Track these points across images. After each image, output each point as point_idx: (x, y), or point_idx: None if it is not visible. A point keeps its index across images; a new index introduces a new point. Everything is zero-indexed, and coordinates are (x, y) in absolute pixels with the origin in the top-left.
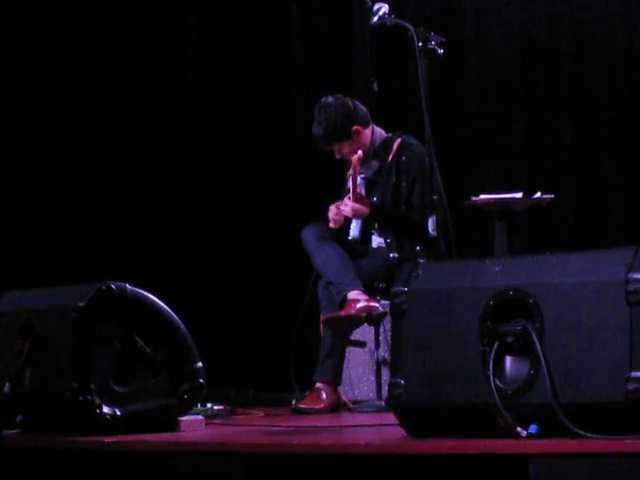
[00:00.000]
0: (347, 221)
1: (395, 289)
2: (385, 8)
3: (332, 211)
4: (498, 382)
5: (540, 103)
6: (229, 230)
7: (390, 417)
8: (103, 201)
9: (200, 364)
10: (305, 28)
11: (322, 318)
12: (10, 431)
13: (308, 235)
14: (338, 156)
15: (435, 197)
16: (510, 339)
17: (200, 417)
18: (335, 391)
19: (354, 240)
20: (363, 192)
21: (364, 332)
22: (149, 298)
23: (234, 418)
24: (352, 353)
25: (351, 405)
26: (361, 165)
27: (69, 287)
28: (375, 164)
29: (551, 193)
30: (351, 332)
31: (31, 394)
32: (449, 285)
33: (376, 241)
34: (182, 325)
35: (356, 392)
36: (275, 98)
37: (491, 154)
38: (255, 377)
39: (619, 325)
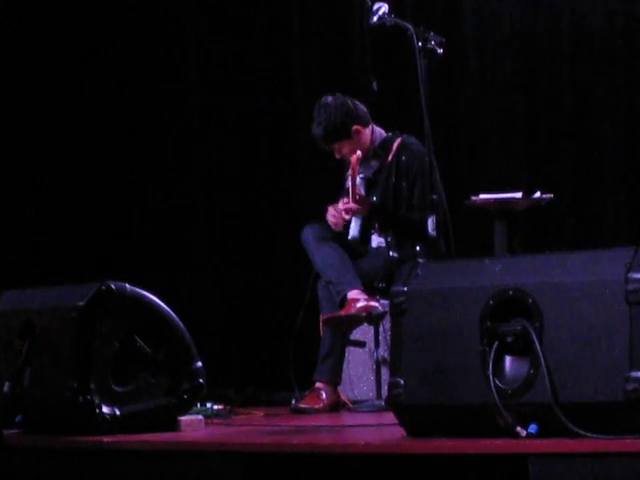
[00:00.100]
0: (347, 221)
1: (395, 289)
2: (385, 8)
3: (330, 212)
4: (498, 382)
5: (540, 103)
6: (229, 230)
7: (390, 417)
8: (103, 201)
9: (200, 364)
10: (305, 27)
11: (322, 318)
12: (10, 431)
13: (308, 235)
14: (338, 156)
15: (435, 197)
16: (510, 339)
17: (200, 417)
18: (335, 391)
19: (354, 240)
20: (362, 192)
21: (364, 332)
22: (148, 298)
23: (234, 418)
24: (352, 353)
25: (351, 405)
26: (360, 165)
27: (69, 287)
28: (375, 164)
29: (550, 193)
30: (351, 332)
31: (31, 394)
32: (449, 285)
33: (376, 241)
34: (181, 325)
35: (356, 392)
36: (275, 98)
37: (491, 154)
38: (255, 377)
39: (619, 325)
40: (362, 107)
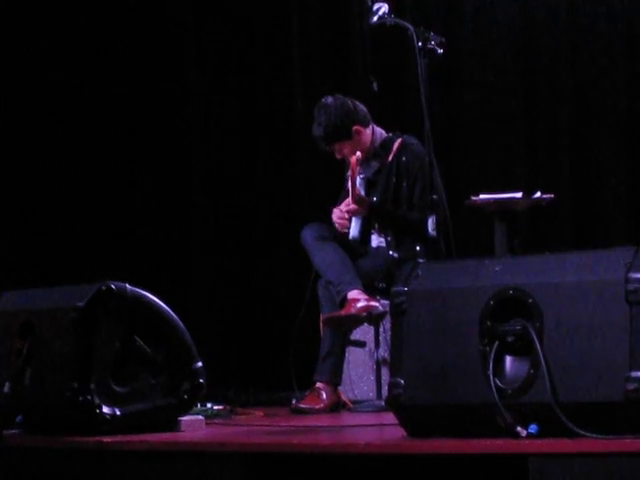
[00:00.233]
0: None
1: (395, 289)
2: (385, 8)
3: (335, 214)
4: (498, 382)
5: (540, 103)
6: (229, 230)
7: (390, 417)
8: (103, 201)
9: (200, 364)
10: (305, 28)
11: (322, 318)
12: (10, 431)
13: (308, 235)
14: (338, 156)
15: (435, 197)
16: (510, 339)
17: (200, 417)
18: (335, 391)
19: (354, 240)
20: (362, 192)
21: (364, 332)
22: (149, 298)
23: (234, 418)
24: (352, 353)
25: (351, 405)
26: (361, 165)
27: (69, 287)
28: (375, 164)
29: (551, 193)
30: (351, 332)
31: (31, 394)
32: (449, 285)
33: (376, 241)
34: (182, 325)
35: (356, 392)
36: (275, 98)
37: (491, 154)
38: (255, 377)
39: (619, 325)
40: (362, 107)
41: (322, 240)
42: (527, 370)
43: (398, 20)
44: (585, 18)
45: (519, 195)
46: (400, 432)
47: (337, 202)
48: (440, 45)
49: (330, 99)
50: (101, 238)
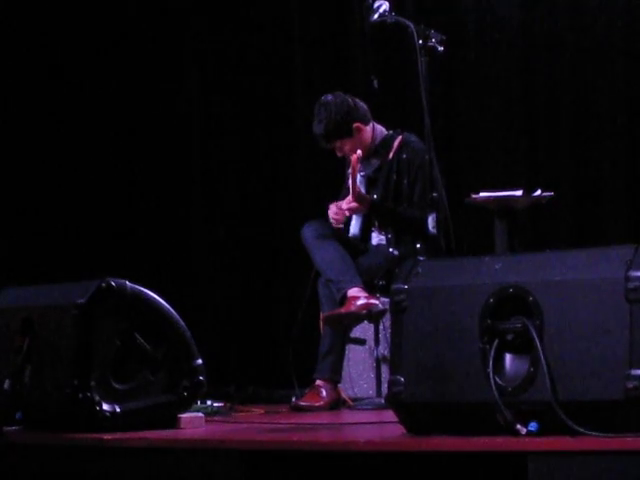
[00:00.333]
0: (347, 218)
1: (395, 286)
2: (385, 5)
3: (332, 210)
4: (498, 379)
5: (540, 101)
6: (229, 227)
7: (390, 414)
8: (103, 199)
9: (200, 361)
10: (305, 25)
11: (322, 315)
12: (10, 428)
13: (308, 233)
14: (339, 154)
15: (435, 195)
16: (510, 337)
17: (200, 414)
18: (335, 388)
19: (354, 237)
20: (362, 190)
21: (364, 329)
22: (149, 295)
23: (234, 415)
24: (352, 351)
25: (351, 402)
26: (361, 163)
27: (69, 284)
28: (375, 162)
29: (551, 191)
30: (351, 329)
31: (31, 391)
32: (449, 282)
33: (376, 238)
34: (182, 322)
35: (356, 389)
36: (275, 96)
37: (491, 152)
38: (255, 374)
39: (619, 323)
40: (362, 105)
41: (322, 238)
42: (527, 368)
43: (399, 18)
44: (586, 16)
45: (519, 193)
46: (400, 430)
47: (338, 199)
48: (440, 43)
49: (330, 97)
50: (102, 236)
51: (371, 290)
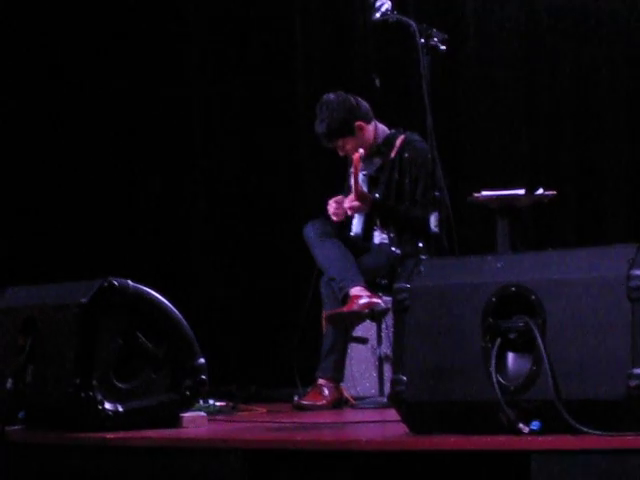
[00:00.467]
0: (349, 217)
1: (397, 285)
2: (387, 4)
3: (332, 206)
4: (500, 378)
5: (542, 99)
6: (231, 226)
7: (392, 413)
8: (105, 198)
9: (202, 360)
10: (307, 24)
11: (324, 314)
12: (12, 427)
13: (310, 232)
14: (341, 153)
15: (437, 193)
16: (512, 335)
17: (202, 413)
18: (337, 387)
19: (356, 236)
20: (365, 189)
21: (366, 328)
22: (151, 294)
23: (236, 414)
24: (354, 349)
25: (353, 401)
26: (363, 161)
27: (71, 283)
28: (377, 161)
29: (553, 190)
30: (353, 328)
31: (33, 390)
32: (451, 281)
33: (378, 237)
34: (184, 321)
35: (358, 388)
36: (277, 95)
37: (493, 150)
38: (257, 373)
39: (621, 322)
40: (364, 104)
41: (324, 237)
42: (529, 367)
43: (401, 17)
44: (588, 16)
45: (521, 192)
46: (402, 429)
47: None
48: (443, 42)
49: (332, 95)
50: (103, 235)
51: (373, 289)
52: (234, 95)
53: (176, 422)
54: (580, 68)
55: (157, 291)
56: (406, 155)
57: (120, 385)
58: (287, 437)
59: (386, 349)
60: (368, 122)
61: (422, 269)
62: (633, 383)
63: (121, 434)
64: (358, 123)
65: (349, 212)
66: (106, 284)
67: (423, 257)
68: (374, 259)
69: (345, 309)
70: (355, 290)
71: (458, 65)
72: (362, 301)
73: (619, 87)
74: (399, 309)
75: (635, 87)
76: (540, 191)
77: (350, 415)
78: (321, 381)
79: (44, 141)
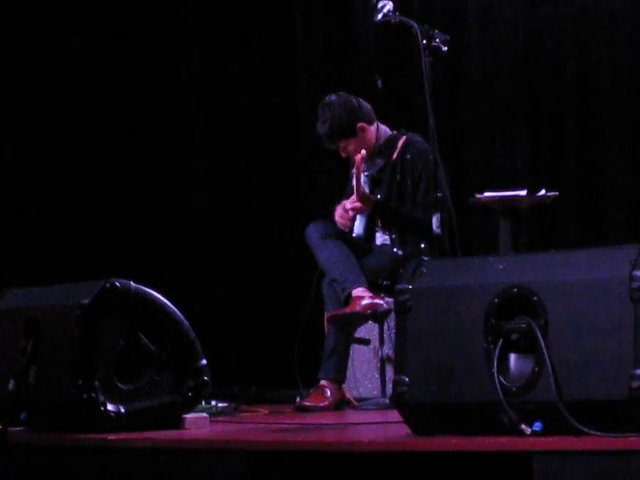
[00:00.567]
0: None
1: (399, 286)
2: (389, 5)
3: (338, 212)
4: (502, 379)
5: (544, 100)
6: (233, 227)
7: (394, 415)
8: (107, 199)
9: (204, 361)
10: (309, 25)
11: (326, 315)
12: (14, 428)
13: (312, 233)
14: (344, 154)
15: (439, 194)
16: (514, 336)
17: (204, 414)
18: (339, 388)
19: (358, 237)
20: (367, 190)
21: (368, 329)
22: (153, 295)
23: (238, 415)
24: (356, 350)
25: (355, 403)
26: (365, 163)
27: (73, 284)
28: (379, 162)
29: (555, 190)
30: (355, 329)
31: (35, 391)
32: (453, 282)
33: (380, 238)
34: (186, 322)
35: (360, 389)
36: (279, 96)
37: (495, 151)
38: (259, 374)
39: (623, 322)
40: (366, 105)
41: (327, 238)
42: (531, 368)
43: (403, 18)
44: (591, 16)
45: (524, 193)
46: (404, 430)
47: (341, 200)
48: (444, 43)
49: (334, 97)
50: (105, 236)
51: (375, 290)
52: (235, 96)
53: (178, 423)
54: (582, 69)
55: (158, 292)
56: (408, 156)
57: (122, 386)
58: (289, 438)
59: (388, 350)
60: (370, 123)
61: (424, 270)
62: (635, 384)
63: (123, 435)
64: (360, 124)
65: (351, 213)
66: (108, 285)
67: (425, 258)
68: (376, 260)
69: (347, 310)
70: (357, 291)
71: (460, 66)
72: (364, 302)
73: (621, 88)
74: (401, 310)
75: (637, 88)
76: (542, 192)
77: (352, 416)
78: (323, 382)
79: (44, 141)
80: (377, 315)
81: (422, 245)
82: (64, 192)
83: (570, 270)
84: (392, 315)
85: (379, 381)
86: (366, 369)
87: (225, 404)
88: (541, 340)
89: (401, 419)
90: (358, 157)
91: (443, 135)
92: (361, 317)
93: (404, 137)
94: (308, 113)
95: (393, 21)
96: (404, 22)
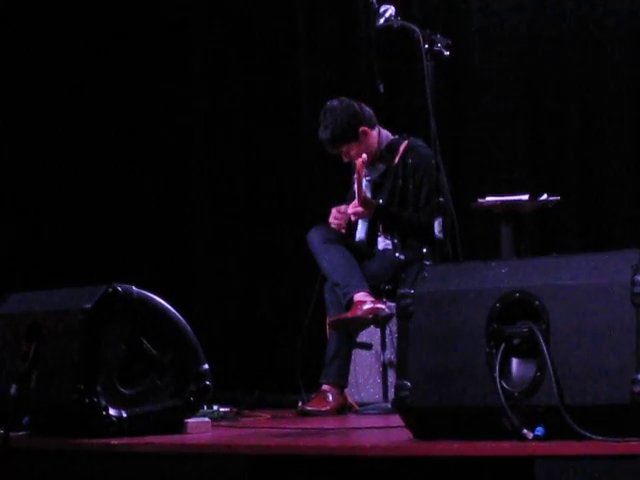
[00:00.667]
0: (353, 223)
1: (401, 291)
2: (391, 10)
3: (332, 214)
4: (504, 384)
5: (546, 105)
6: (235, 232)
7: (396, 419)
8: (108, 204)
9: (206, 366)
10: (311, 30)
11: (328, 320)
12: (17, 433)
13: (314, 237)
14: (346, 159)
15: (441, 199)
16: (516, 341)
17: (206, 419)
18: (341, 393)
19: (360, 242)
20: (368, 195)
21: (370, 334)
22: (155, 300)
23: (240, 420)
24: (358, 355)
25: (357, 407)
26: (367, 167)
27: (75, 289)
28: (381, 166)
29: (557, 195)
30: (357, 334)
31: (37, 396)
32: (455, 287)
33: (382, 243)
34: (188, 327)
35: (362, 394)
36: (280, 97)
37: (497, 156)
38: (261, 379)
39: (625, 327)
40: (368, 109)
41: (328, 242)
42: (533, 372)
43: (404, 22)
44: (592, 19)
45: (525, 197)
46: (406, 434)
47: (343, 204)
48: (446, 47)
49: (336, 102)
50: (107, 240)
51: (377, 295)
52: (236, 97)
53: (180, 428)
54: (583, 73)
55: (161, 297)
56: (410, 161)
57: (124, 391)
58: (291, 443)
59: (390, 355)
60: (372, 127)
61: (426, 275)
62: (637, 388)
63: (125, 440)
64: (362, 128)
65: (352, 218)
66: (110, 290)
67: (427, 263)
68: (378, 265)
69: (349, 315)
70: (359, 296)
71: (462, 70)
72: (366, 307)
73: (622, 91)
74: (403, 315)
75: (638, 90)
76: (544, 196)
77: (354, 421)
78: (325, 387)
79: (44, 142)
80: (379, 320)
81: (424, 250)
82: (64, 192)
83: (572, 275)
84: (394, 320)
85: (381, 386)
86: (368, 374)
87: (227, 409)
88: (543, 345)
89: (403, 424)
90: (359, 162)
91: (445, 140)
92: (363, 322)
93: (406, 142)
94: (309, 114)
95: (395, 26)
96: (406, 27)
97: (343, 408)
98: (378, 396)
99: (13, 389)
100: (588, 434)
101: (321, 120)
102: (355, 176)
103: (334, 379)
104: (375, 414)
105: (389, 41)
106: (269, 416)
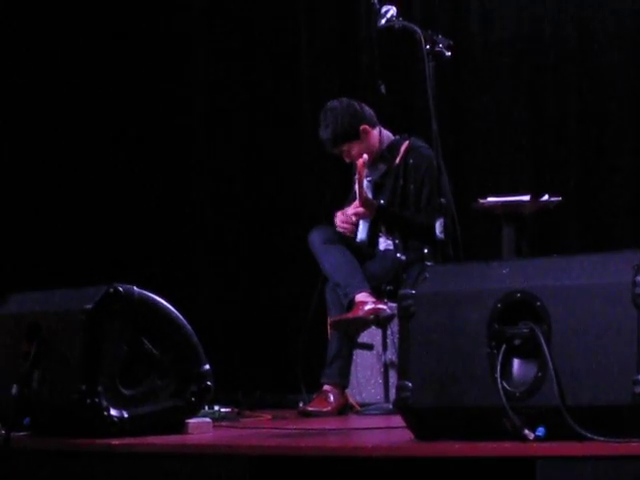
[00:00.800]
0: (355, 224)
1: (403, 292)
2: (393, 11)
3: (339, 218)
4: (505, 385)
5: (547, 105)
6: (236, 232)
7: (397, 420)
8: (109, 204)
9: (207, 366)
10: (312, 30)
11: (329, 320)
12: (17, 433)
13: (315, 238)
14: (347, 159)
15: (443, 200)
16: (517, 342)
17: (207, 419)
18: (342, 393)
19: (362, 243)
20: (369, 195)
21: (372, 334)
22: (156, 300)
23: (241, 421)
24: (360, 356)
25: (358, 408)
26: (368, 168)
27: (76, 289)
28: (382, 167)
29: (558, 196)
30: (358, 334)
31: (38, 396)
32: (457, 288)
33: (383, 244)
34: (189, 327)
35: (363, 395)
36: (281, 101)
37: (498, 157)
38: (262, 380)
39: (626, 328)
40: (368, 109)
41: (330, 243)
42: (535, 373)
43: (406, 23)
44: (592, 20)
45: (527, 198)
46: (408, 435)
47: (344, 205)
48: (447, 48)
49: (336, 102)
50: (108, 240)
51: (379, 295)
52: (238, 99)
53: (181, 428)
54: (584, 73)
55: (162, 297)
56: (411, 161)
57: (125, 391)
58: (292, 443)
59: (391, 355)
60: (373, 127)
61: (427, 275)
62: (638, 389)
63: (126, 440)
64: (363, 127)
65: (353, 218)
66: (111, 290)
67: (428, 263)
68: (379, 265)
69: (350, 315)
70: (360, 296)
71: (463, 71)
72: (367, 307)
73: (623, 91)
74: (404, 315)
75: (639, 90)
76: (545, 197)
77: (355, 421)
78: (326, 387)
79: (44, 142)
80: (380, 320)
81: (425, 250)
82: (64, 192)
83: (573, 275)
84: (395, 320)
85: (382, 386)
86: (369, 374)
87: (228, 409)
88: (544, 345)
89: (404, 424)
90: (360, 162)
91: (446, 140)
92: (364, 322)
93: (407, 142)
94: (310, 114)
95: (396, 26)
96: (407, 27)
97: (344, 409)
98: (379, 397)
99: (14, 389)
100: (589, 435)
101: (321, 120)
102: (356, 176)
103: (335, 379)
104: (376, 415)
105: (390, 42)
106: (270, 416)
